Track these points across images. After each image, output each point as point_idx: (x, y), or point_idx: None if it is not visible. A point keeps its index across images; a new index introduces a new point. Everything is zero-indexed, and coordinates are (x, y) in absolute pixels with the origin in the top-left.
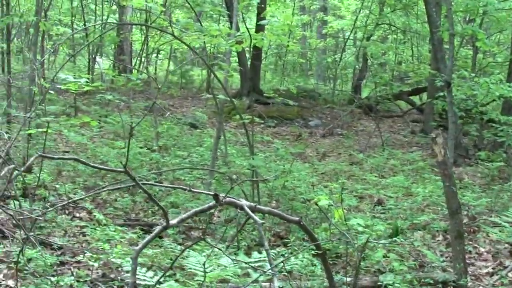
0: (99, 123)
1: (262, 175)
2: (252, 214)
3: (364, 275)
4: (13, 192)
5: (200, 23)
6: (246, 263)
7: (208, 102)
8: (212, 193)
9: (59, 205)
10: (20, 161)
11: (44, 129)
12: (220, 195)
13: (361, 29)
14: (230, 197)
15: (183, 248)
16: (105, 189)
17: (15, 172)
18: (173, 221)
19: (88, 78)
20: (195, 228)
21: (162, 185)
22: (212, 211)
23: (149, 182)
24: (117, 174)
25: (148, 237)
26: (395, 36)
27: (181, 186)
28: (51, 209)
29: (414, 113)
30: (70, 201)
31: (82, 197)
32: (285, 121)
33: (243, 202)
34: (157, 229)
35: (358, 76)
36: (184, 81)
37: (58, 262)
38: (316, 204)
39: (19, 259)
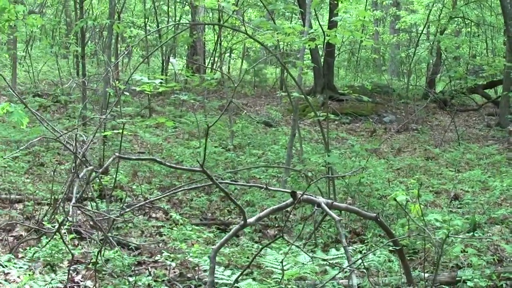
0: (174, 123)
1: (338, 171)
2: (330, 211)
3: (442, 271)
4: (90, 193)
5: (274, 21)
6: (324, 260)
7: (282, 100)
8: (289, 190)
9: (137, 205)
10: (96, 163)
11: (119, 131)
12: (298, 192)
13: (434, 23)
14: (307, 195)
15: (260, 246)
16: (182, 189)
17: (93, 174)
18: (250, 220)
19: (162, 79)
20: (271, 227)
21: (239, 184)
22: (288, 209)
23: (226, 181)
24: (192, 174)
25: (225, 236)
26: (468, 29)
27: (258, 184)
28: (129, 210)
29: (489, 106)
30: (147, 201)
31: (159, 197)
32: (359, 117)
33: (320, 199)
34: (234, 228)
35: (432, 70)
36: (257, 80)
37: (136, 262)
38: (395, 200)
39: (97, 260)
